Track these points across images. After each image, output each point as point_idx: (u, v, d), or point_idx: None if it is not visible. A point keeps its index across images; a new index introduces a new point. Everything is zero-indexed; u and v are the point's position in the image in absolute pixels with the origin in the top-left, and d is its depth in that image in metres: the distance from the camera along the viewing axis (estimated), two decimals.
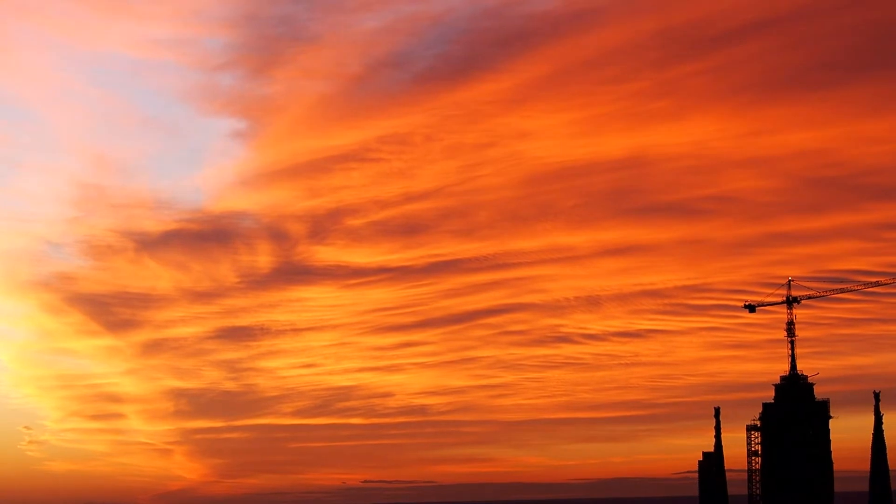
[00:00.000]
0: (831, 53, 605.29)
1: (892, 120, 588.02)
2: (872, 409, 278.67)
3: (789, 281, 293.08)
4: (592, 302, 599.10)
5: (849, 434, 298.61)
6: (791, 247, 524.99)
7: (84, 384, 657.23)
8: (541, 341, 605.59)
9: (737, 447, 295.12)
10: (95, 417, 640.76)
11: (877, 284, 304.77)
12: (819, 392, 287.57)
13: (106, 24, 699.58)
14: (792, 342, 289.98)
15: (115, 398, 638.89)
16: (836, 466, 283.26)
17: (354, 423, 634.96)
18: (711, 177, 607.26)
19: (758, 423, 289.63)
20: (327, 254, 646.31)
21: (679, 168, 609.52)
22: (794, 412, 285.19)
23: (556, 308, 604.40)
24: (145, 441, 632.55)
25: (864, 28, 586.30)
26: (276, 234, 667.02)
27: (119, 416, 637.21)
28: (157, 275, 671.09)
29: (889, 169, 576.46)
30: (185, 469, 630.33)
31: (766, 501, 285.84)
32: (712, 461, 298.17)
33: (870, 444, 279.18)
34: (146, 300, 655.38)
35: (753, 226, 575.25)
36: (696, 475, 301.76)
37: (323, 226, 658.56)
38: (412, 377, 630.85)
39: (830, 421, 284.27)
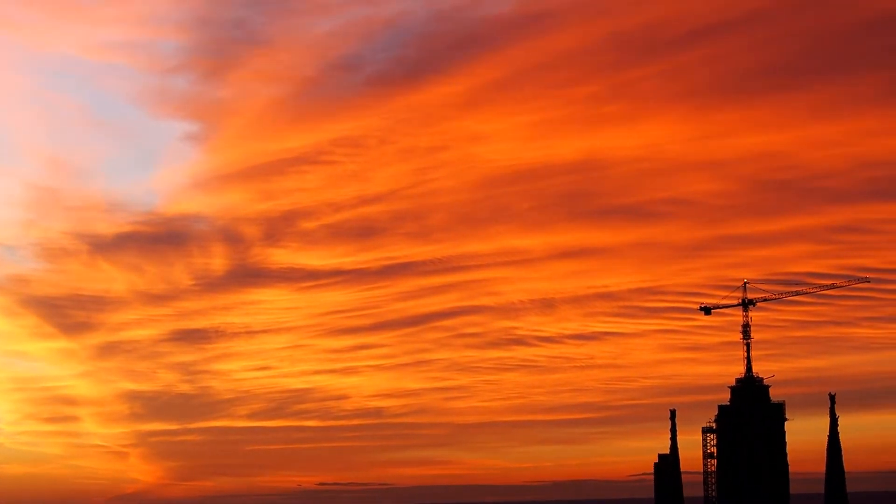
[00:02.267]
0: (784, 57, 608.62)
1: (845, 123, 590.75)
2: (828, 412, 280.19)
3: (745, 283, 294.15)
4: (547, 304, 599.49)
5: (804, 436, 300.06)
6: (745, 249, 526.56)
7: (38, 387, 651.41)
8: (495, 344, 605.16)
9: (692, 449, 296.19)
10: (50, 420, 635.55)
11: (832, 287, 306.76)
12: (775, 394, 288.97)
13: (59, 27, 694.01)
14: (748, 344, 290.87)
15: (69, 401, 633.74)
16: (791, 468, 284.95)
17: (310, 425, 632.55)
18: (665, 180, 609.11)
19: (713, 425, 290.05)
20: (281, 256, 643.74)
21: (633, 171, 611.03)
22: (750, 414, 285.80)
23: (511, 310, 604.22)
24: (100, 444, 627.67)
25: (817, 32, 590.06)
26: (230, 236, 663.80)
27: (74, 418, 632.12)
28: (111, 277, 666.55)
29: (842, 172, 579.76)
30: (141, 472, 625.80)
31: (721, 503, 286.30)
32: (668, 463, 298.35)
33: (825, 446, 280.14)
34: (100, 303, 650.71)
35: (707, 228, 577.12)
36: (652, 477, 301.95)
37: (277, 228, 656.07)
38: (367, 379, 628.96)
39: (786, 423, 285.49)
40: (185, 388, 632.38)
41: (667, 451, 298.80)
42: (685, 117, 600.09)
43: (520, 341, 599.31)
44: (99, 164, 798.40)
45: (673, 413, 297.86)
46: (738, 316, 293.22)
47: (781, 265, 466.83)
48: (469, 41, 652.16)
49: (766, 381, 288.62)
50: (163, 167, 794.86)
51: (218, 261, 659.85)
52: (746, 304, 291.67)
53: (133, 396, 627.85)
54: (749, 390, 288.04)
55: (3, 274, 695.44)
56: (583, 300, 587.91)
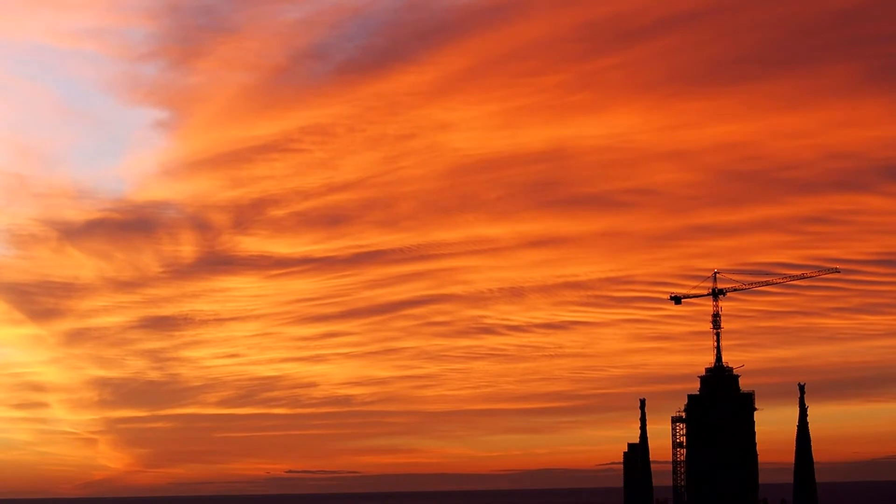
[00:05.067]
0: (751, 48, 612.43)
1: (811, 114, 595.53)
2: (797, 402, 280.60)
3: (715, 273, 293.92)
4: (515, 293, 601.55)
5: (773, 426, 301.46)
6: (712, 239, 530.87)
7: (7, 373, 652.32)
8: (464, 332, 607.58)
9: (662, 438, 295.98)
10: (19, 406, 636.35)
11: (802, 277, 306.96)
12: (744, 384, 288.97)
13: (28, 14, 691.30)
14: (717, 334, 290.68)
15: (38, 387, 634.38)
16: (760, 458, 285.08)
17: (278, 413, 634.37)
18: (632, 169, 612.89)
19: (683, 414, 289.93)
20: (250, 244, 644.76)
21: (600, 161, 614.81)
22: (720, 404, 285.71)
23: (479, 299, 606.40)
24: (69, 430, 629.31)
25: (784, 23, 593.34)
26: (200, 224, 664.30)
27: (43, 405, 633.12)
28: (80, 264, 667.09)
29: (808, 163, 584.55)
30: (110, 458, 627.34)
31: (690, 493, 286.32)
32: (637, 452, 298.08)
33: (794, 436, 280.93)
34: (69, 289, 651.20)
35: (675, 218, 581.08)
36: (621, 466, 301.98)
37: (246, 216, 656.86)
38: (336, 367, 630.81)
39: (755, 413, 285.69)
40: (154, 375, 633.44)
41: (636, 440, 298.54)
42: (652, 107, 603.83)
43: (488, 330, 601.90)
44: (68, 151, 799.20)
45: (642, 402, 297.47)
46: (707, 306, 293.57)
47: (749, 255, 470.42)
48: (437, 30, 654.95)
49: (735, 371, 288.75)
50: (132, 154, 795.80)
51: (187, 248, 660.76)
52: (716, 294, 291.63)
53: (102, 383, 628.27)
54: (719, 380, 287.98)
55: None
56: (551, 289, 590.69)
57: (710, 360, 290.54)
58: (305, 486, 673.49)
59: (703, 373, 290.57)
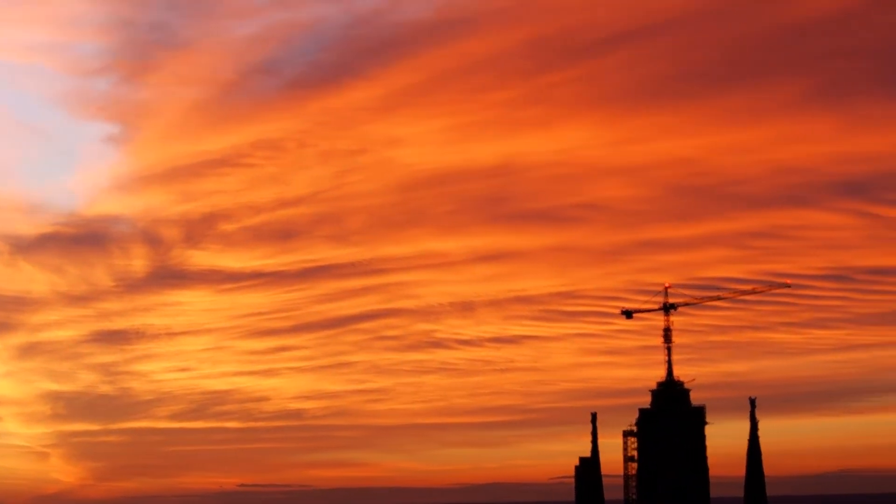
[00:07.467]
0: (699, 64, 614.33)
1: (759, 130, 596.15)
2: (748, 416, 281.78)
3: (666, 288, 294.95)
4: (466, 307, 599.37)
5: (724, 440, 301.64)
6: (661, 254, 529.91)
7: None
8: (415, 346, 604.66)
9: (613, 452, 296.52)
10: None
11: (752, 292, 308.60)
12: (695, 398, 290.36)
13: None
14: (668, 348, 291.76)
15: None
16: (711, 472, 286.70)
17: (230, 426, 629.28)
18: (581, 185, 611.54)
19: (634, 428, 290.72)
20: (202, 258, 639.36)
21: (549, 176, 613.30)
22: (670, 418, 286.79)
23: (430, 313, 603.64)
24: (21, 444, 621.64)
25: (732, 39, 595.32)
26: (151, 238, 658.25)
27: None
28: (31, 278, 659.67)
29: (756, 178, 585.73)
30: (62, 472, 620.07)
31: None
32: (589, 466, 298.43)
33: (745, 450, 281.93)
34: (21, 303, 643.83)
35: (624, 233, 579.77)
36: (573, 480, 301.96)
37: (197, 230, 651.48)
38: (287, 381, 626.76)
39: (706, 427, 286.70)
40: (106, 388, 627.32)
41: (588, 454, 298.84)
42: (601, 123, 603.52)
43: (439, 344, 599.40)
44: (19, 165, 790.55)
45: (594, 416, 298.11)
46: (657, 320, 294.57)
47: (697, 270, 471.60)
48: (387, 46, 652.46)
49: (686, 385, 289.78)
50: (83, 169, 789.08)
51: (138, 262, 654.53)
52: (667, 309, 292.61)
53: (54, 397, 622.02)
54: (670, 394, 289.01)
55: None
56: (502, 303, 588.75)
57: (661, 374, 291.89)
58: (258, 500, 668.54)
59: (655, 387, 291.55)
